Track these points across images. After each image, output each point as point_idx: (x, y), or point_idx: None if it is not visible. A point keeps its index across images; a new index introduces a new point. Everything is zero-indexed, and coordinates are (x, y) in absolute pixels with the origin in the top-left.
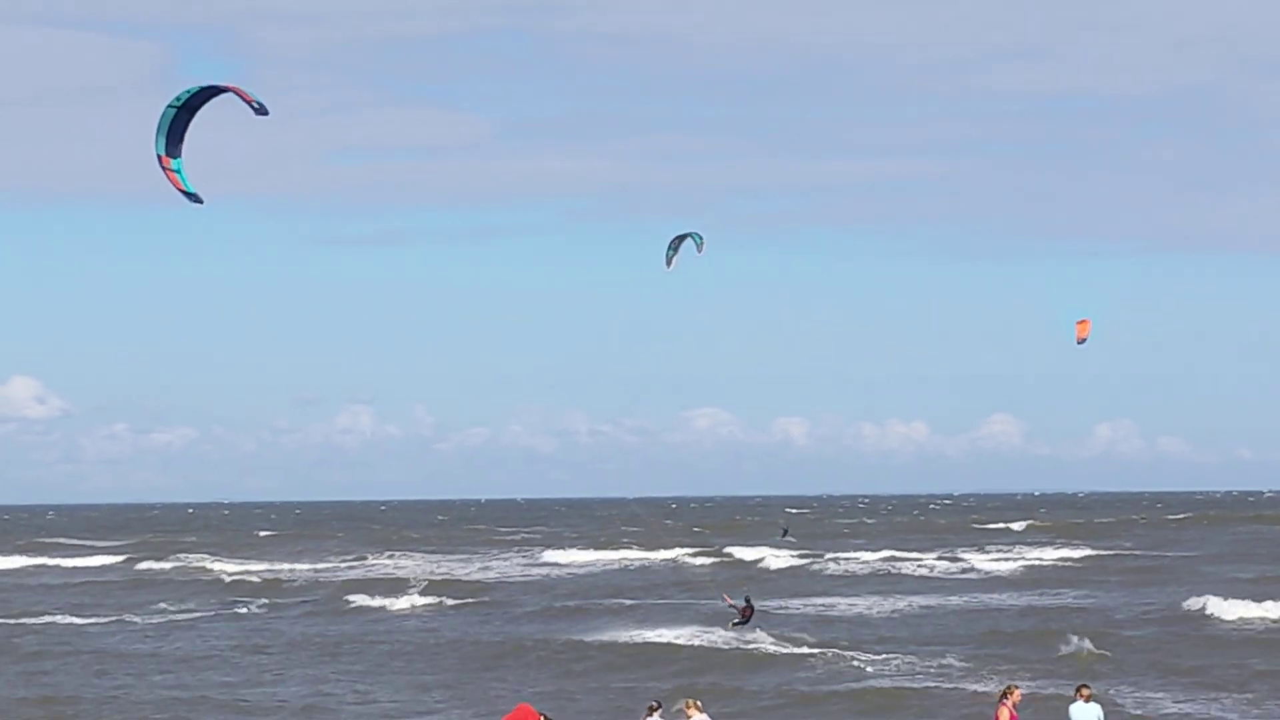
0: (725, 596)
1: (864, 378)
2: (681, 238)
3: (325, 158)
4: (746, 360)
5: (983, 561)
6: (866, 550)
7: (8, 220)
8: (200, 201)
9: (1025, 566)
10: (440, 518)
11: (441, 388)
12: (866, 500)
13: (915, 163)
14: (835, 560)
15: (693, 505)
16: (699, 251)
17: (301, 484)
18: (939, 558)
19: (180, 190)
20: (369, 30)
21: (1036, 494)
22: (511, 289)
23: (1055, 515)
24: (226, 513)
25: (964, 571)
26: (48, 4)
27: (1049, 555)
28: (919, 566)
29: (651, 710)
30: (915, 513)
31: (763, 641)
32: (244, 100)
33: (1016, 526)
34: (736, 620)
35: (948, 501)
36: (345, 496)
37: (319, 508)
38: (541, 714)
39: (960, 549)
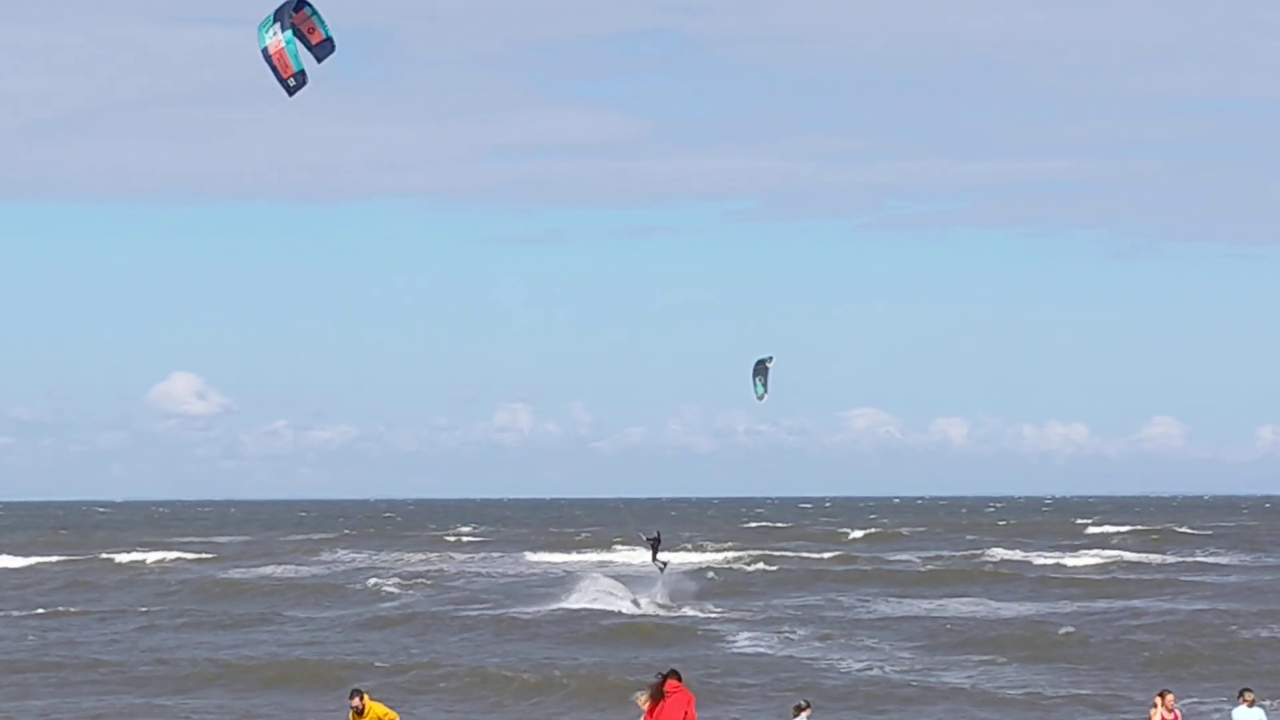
0: (641, 533)
1: (1023, 379)
2: (759, 366)
3: (483, 157)
4: (905, 361)
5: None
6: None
7: (168, 218)
8: (302, 83)
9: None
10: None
11: (600, 386)
12: (1023, 500)
13: (1071, 163)
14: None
15: (849, 504)
16: (766, 380)
17: (460, 482)
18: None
19: (287, 74)
20: (526, 30)
21: (1198, 496)
22: (670, 288)
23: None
24: (388, 514)
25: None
26: (207, 3)
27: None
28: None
29: (799, 710)
30: (1075, 518)
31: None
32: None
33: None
34: (652, 551)
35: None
36: (504, 494)
37: (480, 505)
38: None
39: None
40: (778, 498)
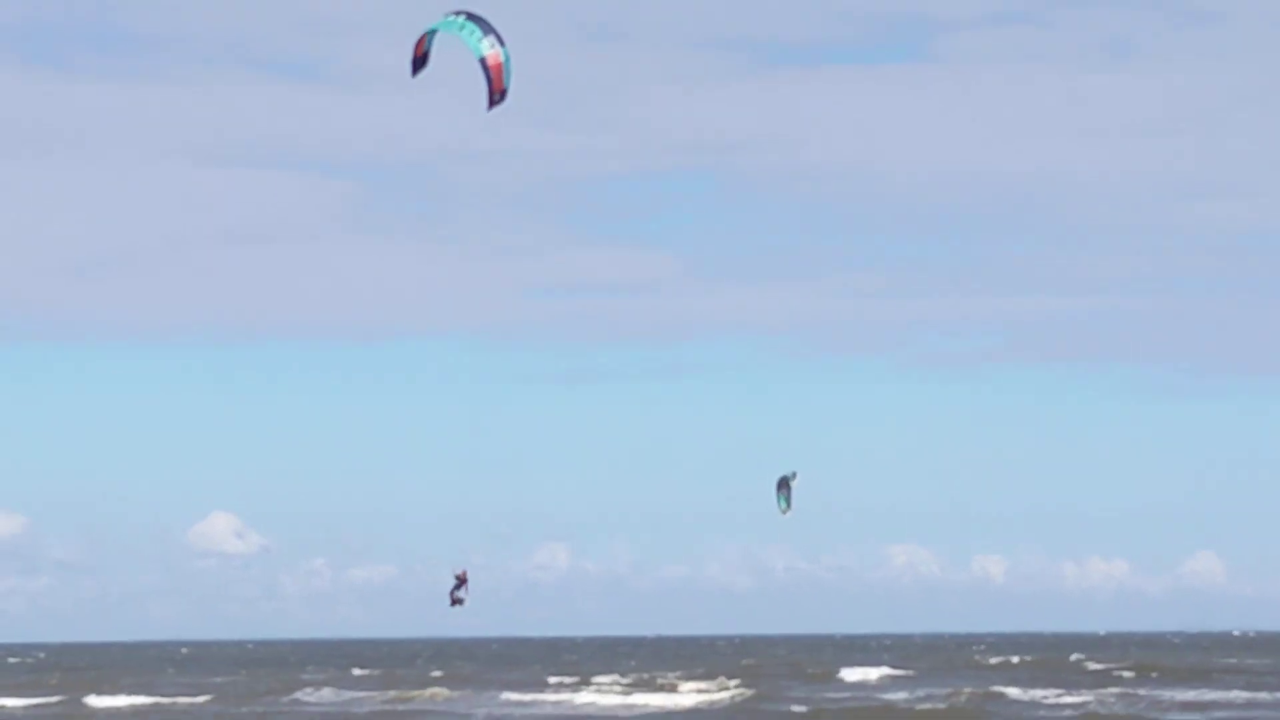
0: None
1: (1063, 515)
2: (783, 482)
3: (520, 295)
4: (944, 497)
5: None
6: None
7: (206, 358)
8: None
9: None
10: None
11: (638, 525)
12: (1066, 637)
13: (1108, 298)
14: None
15: (887, 642)
16: (789, 496)
17: (499, 620)
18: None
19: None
20: (561, 168)
21: (1238, 633)
22: (706, 425)
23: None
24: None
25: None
26: (245, 145)
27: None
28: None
29: None
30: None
31: None
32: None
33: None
34: (456, 589)
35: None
36: (542, 633)
37: (517, 643)
38: None
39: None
40: (815, 635)
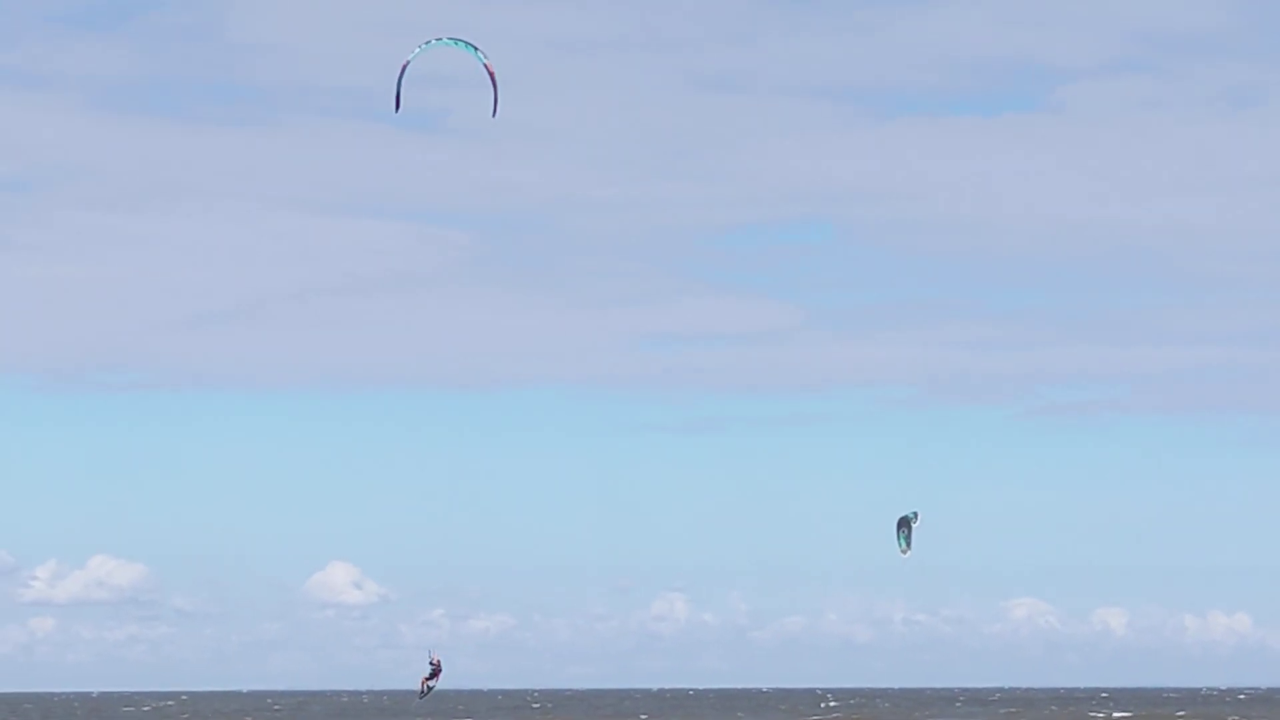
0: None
1: (1184, 568)
2: (903, 522)
3: (637, 345)
4: (1064, 549)
5: None
6: None
7: (328, 407)
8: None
9: None
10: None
11: (756, 576)
12: (1180, 692)
13: (1230, 349)
14: None
15: (996, 696)
16: (909, 536)
17: (618, 671)
18: None
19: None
20: (678, 218)
21: None
22: (825, 476)
23: None
24: (537, 704)
25: None
26: (364, 195)
27: None
28: None
29: None
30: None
31: None
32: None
33: None
34: (428, 677)
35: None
36: (661, 684)
37: (632, 694)
38: None
39: None
40: (933, 689)
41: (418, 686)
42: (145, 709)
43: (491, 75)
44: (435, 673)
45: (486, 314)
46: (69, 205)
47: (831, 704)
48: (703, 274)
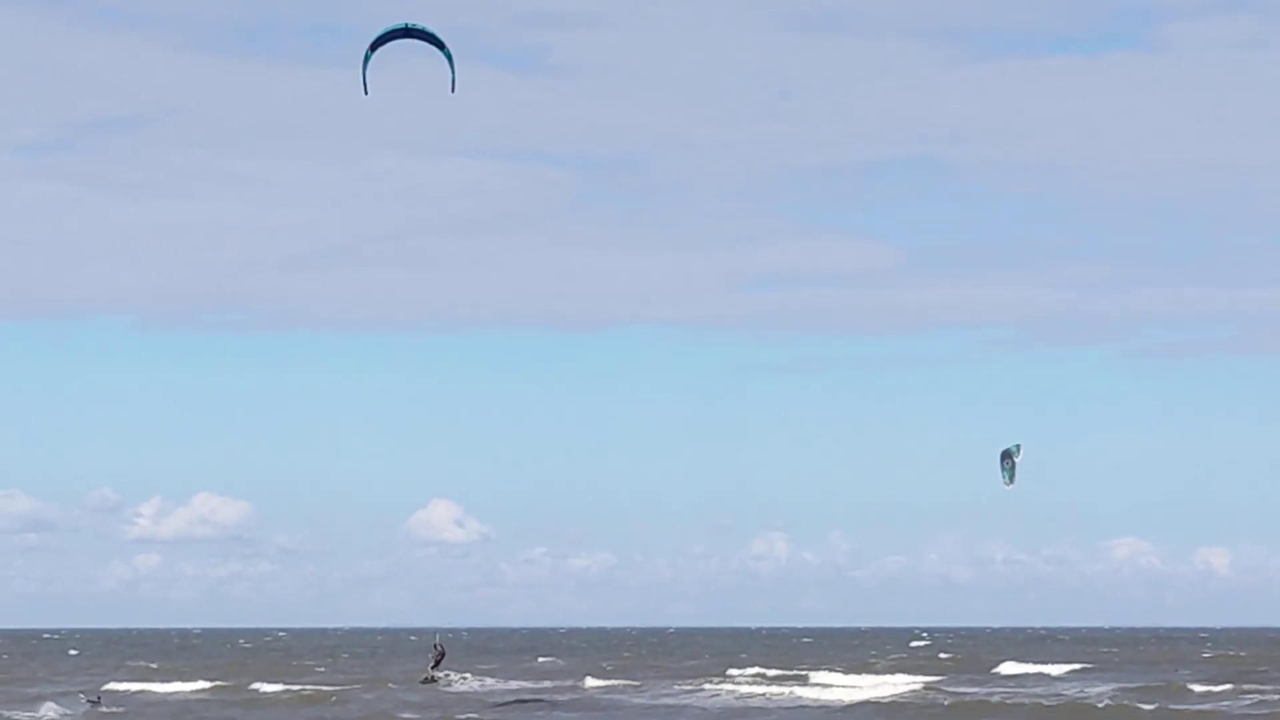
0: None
1: None
2: (1006, 455)
3: (739, 286)
4: (1166, 489)
5: None
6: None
7: (427, 348)
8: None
9: None
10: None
11: (856, 515)
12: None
13: None
14: None
15: (1099, 635)
16: (1016, 463)
17: (717, 610)
18: None
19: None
20: (780, 159)
21: None
22: (926, 417)
23: None
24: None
25: None
26: (462, 136)
27: None
28: None
29: None
30: None
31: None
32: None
33: None
34: (432, 665)
35: None
36: (761, 623)
37: (735, 634)
38: None
39: None
40: (1032, 628)
41: (427, 673)
42: (246, 645)
43: (449, 56)
44: (439, 659)
45: (586, 254)
46: (170, 145)
47: (921, 642)
48: (802, 214)
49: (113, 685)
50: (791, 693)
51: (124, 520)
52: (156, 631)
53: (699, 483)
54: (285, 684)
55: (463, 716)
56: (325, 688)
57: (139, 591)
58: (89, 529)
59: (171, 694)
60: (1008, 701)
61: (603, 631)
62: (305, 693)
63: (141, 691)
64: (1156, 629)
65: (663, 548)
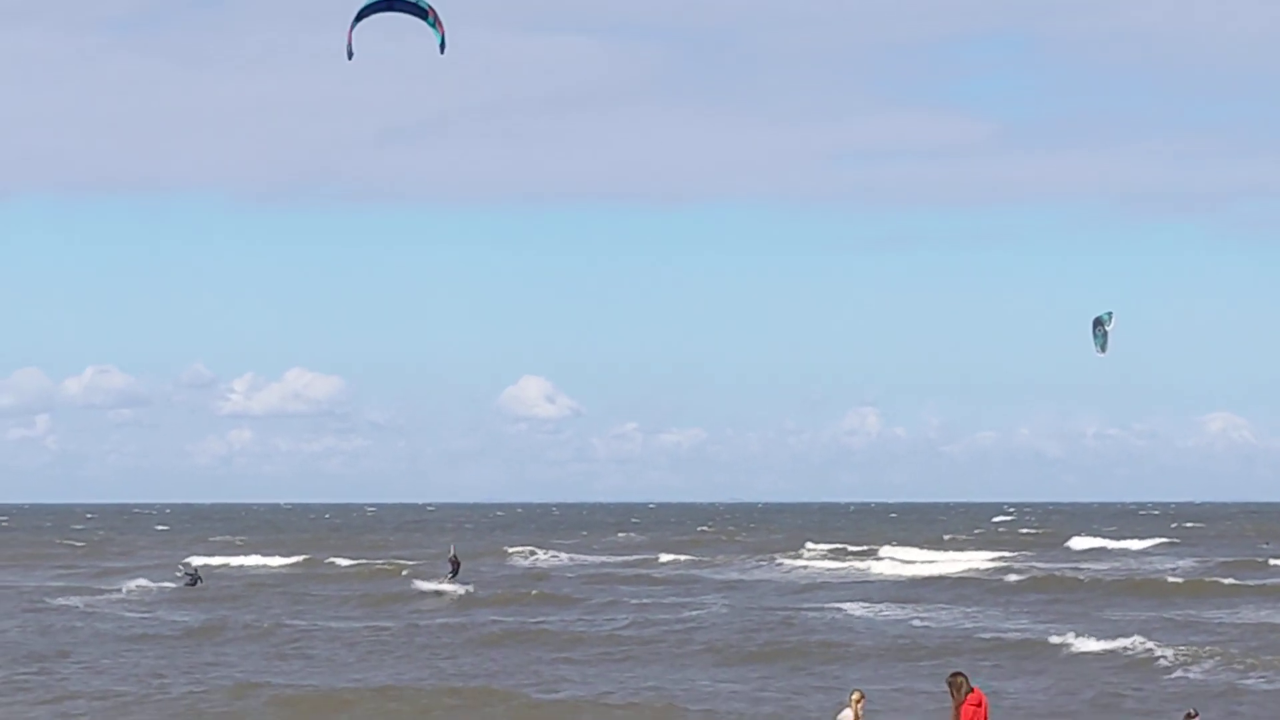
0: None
1: None
2: (1098, 322)
3: (830, 160)
4: (1261, 365)
5: None
6: None
7: (518, 223)
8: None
9: None
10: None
11: (948, 390)
12: None
13: None
14: None
15: (1190, 511)
16: (1108, 331)
17: (809, 485)
18: None
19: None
20: (872, 32)
21: None
22: (1018, 291)
23: None
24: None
25: None
26: (556, 11)
27: None
28: None
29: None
30: None
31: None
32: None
33: None
34: (449, 574)
35: None
36: (853, 498)
37: (828, 509)
38: None
39: None
40: (1125, 503)
41: (446, 586)
42: (333, 520)
43: (437, 19)
44: (455, 569)
45: (677, 128)
46: (261, 19)
47: (1004, 517)
48: (893, 88)
49: (199, 559)
50: (861, 568)
51: (217, 396)
52: (247, 506)
53: (790, 358)
54: (366, 559)
55: (535, 590)
56: (401, 562)
57: (232, 467)
58: (183, 404)
59: (253, 567)
60: (1077, 576)
61: (692, 507)
62: (378, 567)
63: (223, 565)
64: (1247, 504)
65: (754, 423)
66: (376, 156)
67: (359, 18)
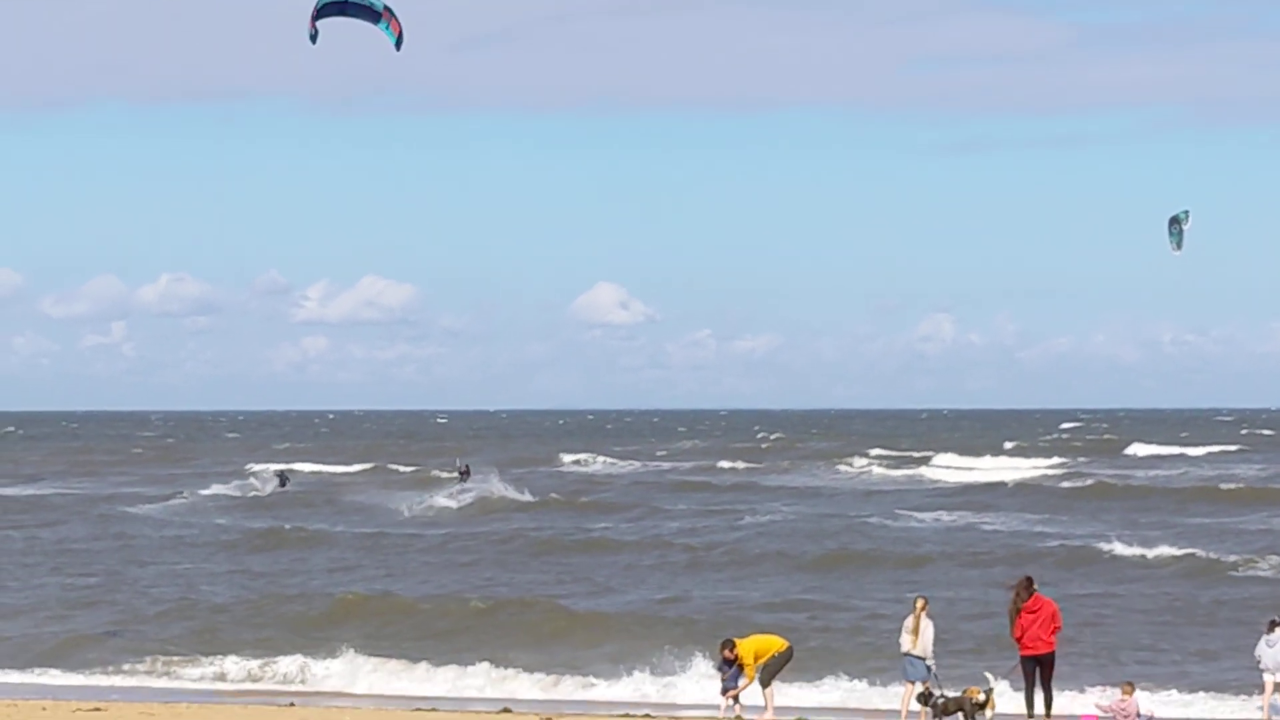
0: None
1: None
2: (1174, 221)
3: (903, 66)
4: None
5: None
6: None
7: (592, 129)
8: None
9: None
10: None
11: (1024, 296)
12: None
13: None
14: None
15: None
16: (1184, 229)
17: (883, 392)
18: None
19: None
20: None
21: None
22: (1095, 196)
23: None
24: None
25: None
26: None
27: None
28: None
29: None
30: None
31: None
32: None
33: None
34: (460, 482)
35: None
36: (927, 404)
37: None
38: None
39: None
40: (1201, 409)
41: (444, 502)
42: (405, 427)
43: (392, 19)
44: (465, 475)
45: (753, 34)
46: None
47: (1073, 424)
48: None
49: (259, 466)
50: (919, 475)
51: (291, 303)
52: (320, 414)
53: (865, 264)
54: (427, 465)
55: (587, 498)
56: (442, 475)
57: (306, 374)
58: (257, 312)
59: (318, 474)
60: (1130, 484)
61: (766, 413)
62: (431, 475)
63: (289, 472)
64: None
65: (828, 329)
66: (450, 63)
67: (319, 15)
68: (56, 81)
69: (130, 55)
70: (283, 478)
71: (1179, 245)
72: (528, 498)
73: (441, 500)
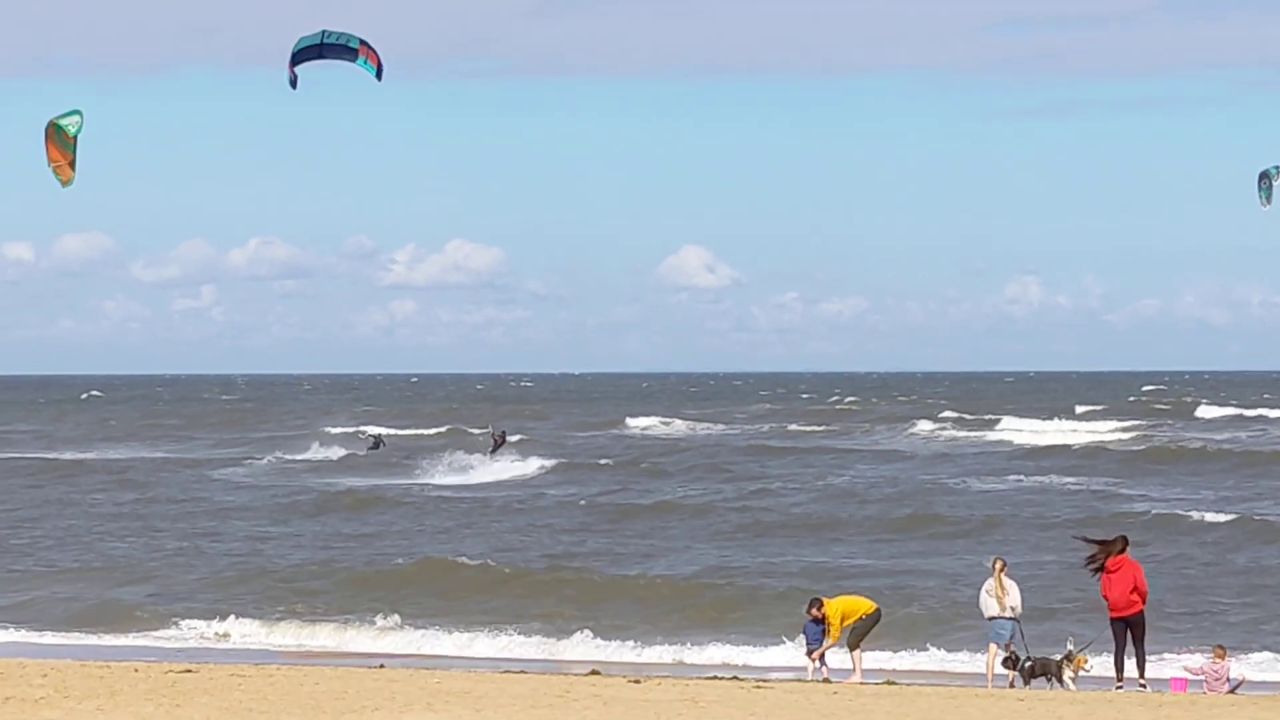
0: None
1: None
2: (1264, 176)
3: (990, 29)
4: None
5: None
6: None
7: (679, 93)
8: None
9: None
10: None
11: (1111, 259)
12: None
13: None
14: None
15: None
16: (1270, 189)
17: (970, 354)
18: None
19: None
20: None
21: None
22: (1182, 159)
23: None
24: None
25: None
26: None
27: None
28: None
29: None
30: None
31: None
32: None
33: None
34: (492, 449)
35: None
36: (1014, 367)
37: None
38: None
39: None
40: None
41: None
42: (482, 389)
43: (370, 48)
44: (498, 445)
45: (833, 1)
46: None
47: (1152, 386)
48: None
49: (339, 429)
50: (986, 438)
51: (379, 267)
52: (405, 377)
53: (951, 227)
54: (498, 429)
55: (646, 463)
56: (535, 432)
57: (394, 338)
58: (345, 276)
59: (397, 437)
60: (1194, 448)
61: (851, 376)
62: (470, 435)
63: (366, 435)
64: None
65: (915, 292)
66: (537, 27)
67: (295, 61)
68: (147, 47)
69: (220, 20)
70: (378, 440)
71: (1268, 199)
72: (582, 460)
73: (473, 461)
